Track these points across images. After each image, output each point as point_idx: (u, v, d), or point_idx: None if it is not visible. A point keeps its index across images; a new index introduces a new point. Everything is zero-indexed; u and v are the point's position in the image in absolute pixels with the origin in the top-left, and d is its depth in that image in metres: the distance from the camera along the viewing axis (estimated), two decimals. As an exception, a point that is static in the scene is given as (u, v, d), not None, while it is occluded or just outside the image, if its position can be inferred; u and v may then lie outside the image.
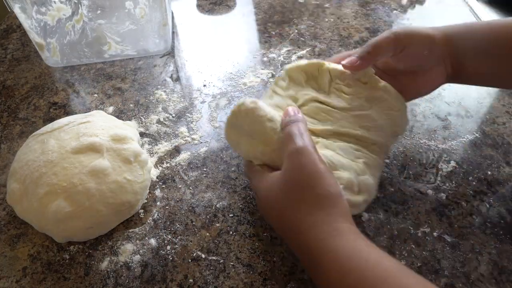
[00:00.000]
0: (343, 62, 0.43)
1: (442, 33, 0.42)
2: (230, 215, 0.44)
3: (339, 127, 0.41)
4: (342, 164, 0.39)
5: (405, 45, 0.42)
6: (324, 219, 0.33)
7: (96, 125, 0.46)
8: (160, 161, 0.50)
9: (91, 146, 0.43)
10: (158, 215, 0.45)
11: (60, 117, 0.55)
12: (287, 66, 0.45)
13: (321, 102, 0.43)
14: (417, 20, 0.71)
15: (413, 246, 0.41)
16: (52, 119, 0.56)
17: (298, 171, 0.35)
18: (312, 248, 0.32)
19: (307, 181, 0.34)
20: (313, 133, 0.41)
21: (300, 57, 0.65)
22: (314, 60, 0.45)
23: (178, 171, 0.49)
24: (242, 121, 0.40)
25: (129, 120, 0.56)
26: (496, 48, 0.41)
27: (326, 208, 0.34)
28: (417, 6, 0.75)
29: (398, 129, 0.45)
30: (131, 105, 0.59)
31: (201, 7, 0.78)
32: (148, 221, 0.44)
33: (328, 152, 0.39)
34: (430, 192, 0.45)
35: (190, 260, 0.41)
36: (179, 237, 0.43)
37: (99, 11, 0.60)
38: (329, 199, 0.34)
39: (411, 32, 0.42)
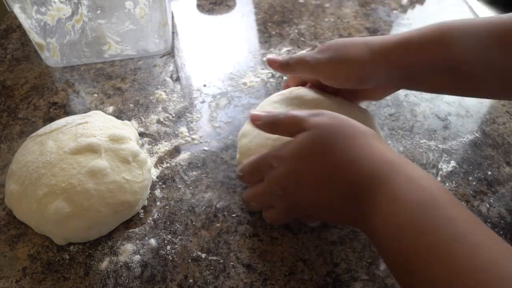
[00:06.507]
0: (269, 56, 0.47)
1: (380, 54, 0.40)
2: (230, 215, 0.44)
3: None
4: None
5: (329, 74, 0.42)
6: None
7: (94, 125, 0.46)
8: (160, 161, 0.50)
9: (89, 147, 0.43)
10: (158, 215, 0.45)
11: (60, 117, 0.55)
12: None
13: None
14: (417, 20, 0.71)
15: (413, 246, 0.41)
16: (52, 119, 0.56)
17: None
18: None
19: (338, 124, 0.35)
20: None
21: (300, 57, 0.65)
22: None
23: (178, 171, 0.49)
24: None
25: (129, 120, 0.56)
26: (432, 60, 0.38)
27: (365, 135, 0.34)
28: (417, 6, 0.75)
29: None
30: (131, 105, 0.59)
31: (201, 7, 0.78)
32: (148, 221, 0.44)
33: None
34: (430, 192, 0.45)
35: (190, 260, 0.41)
36: (179, 237, 0.43)
37: (99, 11, 0.60)
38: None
39: (334, 60, 0.41)
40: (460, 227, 0.26)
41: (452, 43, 0.37)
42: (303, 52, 0.45)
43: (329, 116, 0.36)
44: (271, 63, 0.46)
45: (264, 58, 0.65)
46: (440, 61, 0.37)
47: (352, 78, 0.41)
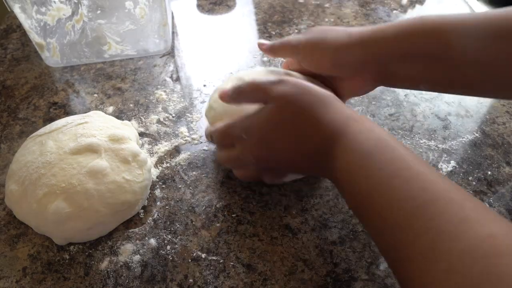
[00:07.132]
0: (260, 40, 0.49)
1: (357, 40, 0.40)
2: (230, 215, 0.44)
3: None
4: None
5: (306, 55, 0.43)
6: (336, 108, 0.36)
7: (94, 125, 0.46)
8: (160, 161, 0.50)
9: (89, 147, 0.43)
10: (158, 215, 0.45)
11: (60, 117, 0.55)
12: None
13: None
14: (417, 20, 0.71)
15: (413, 246, 0.41)
16: (52, 119, 0.56)
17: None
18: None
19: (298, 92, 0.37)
20: None
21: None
22: None
23: (178, 171, 0.49)
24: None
25: (129, 120, 0.56)
26: (415, 49, 0.38)
27: (329, 102, 0.37)
28: (417, 6, 0.75)
29: None
30: (131, 105, 0.59)
31: (201, 7, 0.78)
32: (148, 221, 0.44)
33: None
34: (430, 192, 0.45)
35: (190, 260, 0.41)
36: (179, 237, 0.43)
37: (99, 11, 0.60)
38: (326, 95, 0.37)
39: (312, 41, 0.42)
40: (399, 163, 0.31)
41: (441, 36, 0.38)
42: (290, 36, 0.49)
43: (291, 84, 0.38)
44: (260, 46, 0.48)
45: (262, 53, 0.65)
46: (417, 50, 0.38)
47: (326, 62, 0.42)
